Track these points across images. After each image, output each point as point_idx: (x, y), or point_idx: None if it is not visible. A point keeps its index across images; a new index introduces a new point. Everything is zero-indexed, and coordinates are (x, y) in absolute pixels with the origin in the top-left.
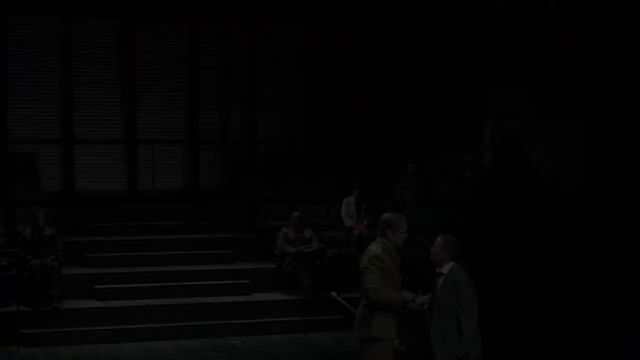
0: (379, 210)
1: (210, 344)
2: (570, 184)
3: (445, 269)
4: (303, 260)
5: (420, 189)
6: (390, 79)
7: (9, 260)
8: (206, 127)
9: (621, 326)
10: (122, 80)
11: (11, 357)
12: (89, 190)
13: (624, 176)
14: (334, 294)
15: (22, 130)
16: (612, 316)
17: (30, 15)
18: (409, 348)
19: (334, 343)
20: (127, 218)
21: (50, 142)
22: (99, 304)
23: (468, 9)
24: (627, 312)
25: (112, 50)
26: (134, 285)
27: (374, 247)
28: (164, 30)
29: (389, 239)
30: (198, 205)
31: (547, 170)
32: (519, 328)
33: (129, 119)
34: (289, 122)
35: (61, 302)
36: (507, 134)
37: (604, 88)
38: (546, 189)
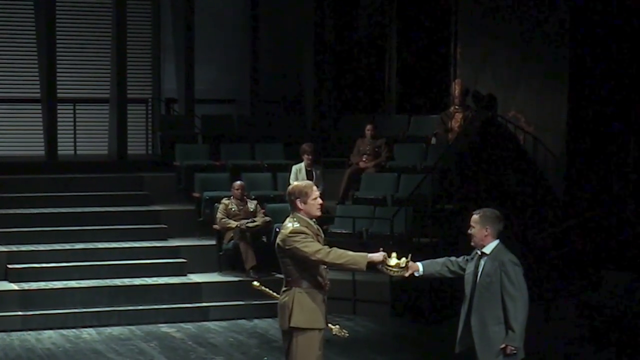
0: (334, 179)
1: (140, 331)
2: (551, 153)
3: (488, 248)
4: (246, 236)
5: (380, 154)
6: (346, 30)
7: None
8: (136, 84)
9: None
10: (40, 31)
11: None
12: (1, 156)
13: (605, 148)
14: (256, 283)
15: None
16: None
17: None
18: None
19: (279, 331)
20: (45, 188)
21: None
22: (13, 287)
23: None
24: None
25: None
26: (53, 264)
27: (289, 225)
28: None
29: (301, 211)
30: (126, 173)
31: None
32: None
33: (47, 74)
34: (231, 79)
35: None
36: (480, 90)
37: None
38: (527, 155)
